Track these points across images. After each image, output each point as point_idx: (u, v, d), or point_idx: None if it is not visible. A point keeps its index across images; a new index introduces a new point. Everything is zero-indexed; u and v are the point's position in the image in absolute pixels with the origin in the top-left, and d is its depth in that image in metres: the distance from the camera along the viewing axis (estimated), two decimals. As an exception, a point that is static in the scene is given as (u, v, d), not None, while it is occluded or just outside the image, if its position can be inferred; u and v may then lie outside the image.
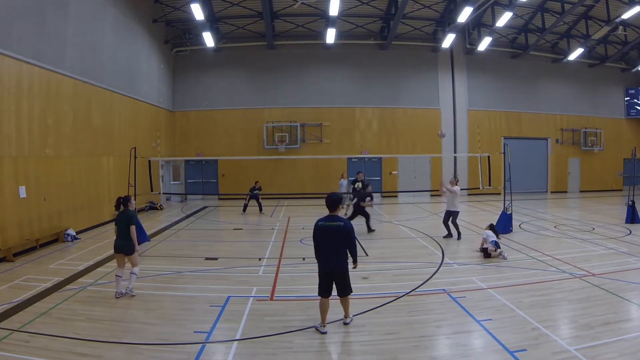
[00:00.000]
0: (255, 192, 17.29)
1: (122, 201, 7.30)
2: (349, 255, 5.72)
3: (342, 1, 18.96)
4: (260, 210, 17.46)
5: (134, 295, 6.98)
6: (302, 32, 22.49)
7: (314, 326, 5.68)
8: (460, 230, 11.61)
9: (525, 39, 23.67)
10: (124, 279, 7.11)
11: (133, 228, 7.03)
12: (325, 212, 5.79)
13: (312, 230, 5.78)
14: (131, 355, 4.96)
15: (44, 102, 11.39)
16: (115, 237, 7.22)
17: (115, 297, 6.89)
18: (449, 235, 11.66)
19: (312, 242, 5.81)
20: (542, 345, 5.07)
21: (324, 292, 5.63)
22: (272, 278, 8.03)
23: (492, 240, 9.67)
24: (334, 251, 5.58)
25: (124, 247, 7.09)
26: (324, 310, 5.64)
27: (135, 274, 7.15)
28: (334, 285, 5.65)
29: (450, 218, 11.63)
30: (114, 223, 7.36)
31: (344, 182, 18.22)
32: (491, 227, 10.29)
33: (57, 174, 11.90)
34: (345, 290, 5.67)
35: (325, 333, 5.55)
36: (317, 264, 5.76)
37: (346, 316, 5.89)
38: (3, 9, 9.90)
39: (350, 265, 5.76)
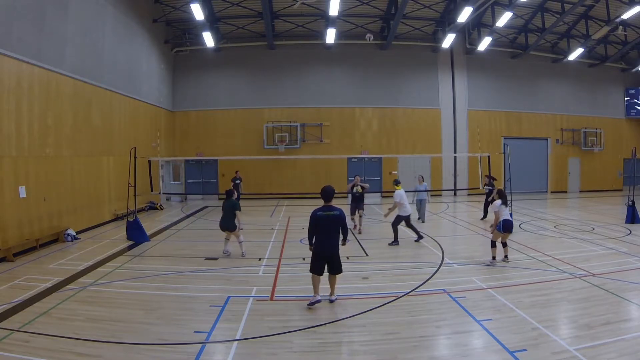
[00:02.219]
0: (237, 182, 17.28)
1: (227, 193, 9.99)
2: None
3: (342, 1, 18.94)
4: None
5: (244, 256, 9.51)
6: (302, 32, 22.48)
7: (309, 302, 6.34)
8: (418, 232, 11.13)
9: (525, 39, 23.66)
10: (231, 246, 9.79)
11: (238, 213, 9.62)
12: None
13: None
14: (131, 355, 4.96)
15: (44, 102, 11.38)
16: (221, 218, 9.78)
17: (222, 253, 9.72)
18: (395, 242, 10.89)
19: None
20: (542, 345, 5.07)
21: (318, 271, 6.46)
22: (272, 278, 8.03)
23: (501, 221, 8.58)
24: (332, 237, 6.44)
25: (228, 226, 9.63)
26: (316, 283, 6.47)
27: (242, 241, 9.72)
28: (326, 266, 6.51)
29: (401, 222, 10.96)
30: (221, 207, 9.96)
31: (421, 186, 14.96)
32: (501, 194, 8.98)
33: (57, 174, 11.89)
34: (337, 269, 6.55)
35: (319, 301, 6.34)
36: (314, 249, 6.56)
37: (332, 294, 6.61)
38: (3, 9, 9.90)
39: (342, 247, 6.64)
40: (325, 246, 6.43)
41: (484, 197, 15.12)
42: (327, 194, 6.54)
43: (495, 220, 8.77)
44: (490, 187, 14.51)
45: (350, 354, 5.14)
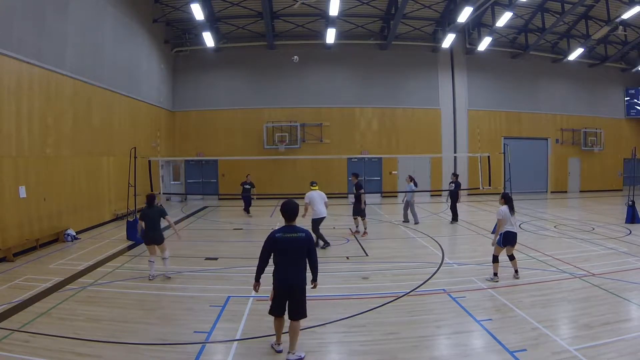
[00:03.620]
0: (247, 186, 17.01)
1: (149, 198, 8.38)
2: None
3: (342, 1, 18.94)
4: (247, 210, 17.05)
5: (169, 278, 8.03)
6: (302, 32, 22.49)
7: (270, 344, 5.14)
8: (325, 240, 10.57)
9: (525, 39, 23.66)
10: (156, 264, 8.18)
11: (168, 217, 8.33)
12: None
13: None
14: (131, 355, 4.96)
15: (44, 102, 11.38)
16: (145, 230, 8.10)
17: (148, 279, 7.93)
18: (326, 244, 10.45)
19: None
20: (542, 345, 5.07)
21: (279, 311, 4.92)
22: (272, 278, 8.02)
23: (502, 233, 7.56)
24: (294, 265, 4.91)
25: (156, 238, 8.10)
26: (278, 328, 5.04)
27: (167, 258, 8.21)
28: (287, 305, 4.90)
29: (319, 225, 10.45)
30: (140, 219, 8.26)
31: (408, 187, 14.36)
32: (507, 199, 7.81)
33: (57, 174, 11.89)
34: (299, 313, 4.89)
35: (281, 351, 4.97)
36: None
37: (291, 350, 4.85)
38: (3, 9, 9.90)
39: (310, 285, 5.05)
40: (286, 276, 4.85)
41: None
42: (289, 210, 4.98)
43: (498, 228, 7.71)
44: (454, 187, 14.40)
45: (350, 354, 5.13)
